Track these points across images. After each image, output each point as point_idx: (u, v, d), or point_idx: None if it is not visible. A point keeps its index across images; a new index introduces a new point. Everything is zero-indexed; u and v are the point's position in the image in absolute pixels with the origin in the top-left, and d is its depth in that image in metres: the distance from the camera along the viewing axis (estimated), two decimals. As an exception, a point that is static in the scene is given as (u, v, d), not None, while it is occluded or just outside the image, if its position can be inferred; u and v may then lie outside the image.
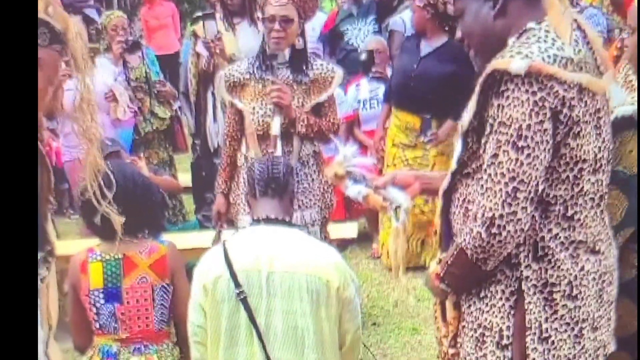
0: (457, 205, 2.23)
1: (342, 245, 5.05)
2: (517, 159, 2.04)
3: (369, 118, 6.34)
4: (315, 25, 6.79)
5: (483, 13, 2.19)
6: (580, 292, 2.16)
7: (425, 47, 5.52)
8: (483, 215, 2.09)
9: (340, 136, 5.49)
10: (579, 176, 2.11)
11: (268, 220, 2.72)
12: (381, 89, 6.29)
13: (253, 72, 3.92)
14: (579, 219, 2.15)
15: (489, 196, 2.08)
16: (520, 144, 2.03)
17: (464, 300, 2.28)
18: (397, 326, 4.94)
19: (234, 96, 3.96)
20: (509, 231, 2.07)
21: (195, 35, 5.47)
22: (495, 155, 2.07)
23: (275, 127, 3.79)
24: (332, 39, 6.84)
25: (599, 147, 2.14)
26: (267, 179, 2.77)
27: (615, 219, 2.51)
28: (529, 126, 2.02)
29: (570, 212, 2.14)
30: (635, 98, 2.57)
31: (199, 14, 5.84)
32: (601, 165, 2.17)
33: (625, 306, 2.60)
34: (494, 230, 2.08)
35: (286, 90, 3.81)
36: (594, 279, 2.19)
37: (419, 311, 5.08)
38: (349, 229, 4.98)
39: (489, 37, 2.19)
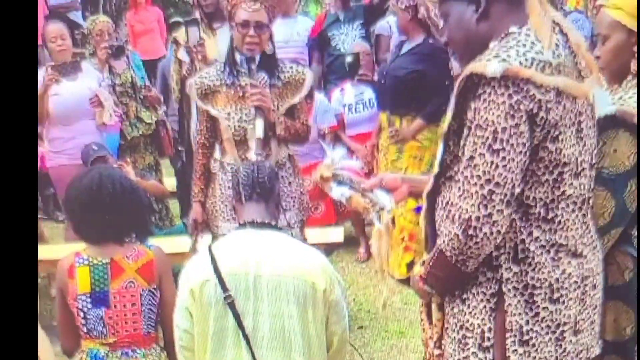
0: (441, 208, 2.24)
1: (329, 249, 5.06)
2: (492, 162, 2.05)
3: (354, 122, 6.35)
4: (300, 30, 6.79)
5: (466, 16, 2.20)
6: (562, 295, 2.17)
7: (405, 47, 5.56)
8: (460, 217, 2.10)
9: (327, 140, 5.51)
10: (559, 179, 2.12)
11: (254, 224, 2.73)
12: (367, 92, 6.31)
13: (223, 78, 3.93)
14: (559, 222, 2.16)
15: (465, 198, 2.09)
16: (496, 146, 2.04)
17: (448, 301, 2.29)
18: (383, 329, 4.94)
19: (206, 103, 3.95)
20: (485, 233, 2.08)
21: (176, 42, 5.47)
22: (472, 158, 2.08)
23: (259, 129, 3.79)
24: (320, 44, 6.85)
25: (580, 151, 2.15)
26: (253, 183, 2.78)
27: (604, 220, 2.52)
28: (504, 129, 2.03)
29: (550, 215, 2.15)
30: (616, 99, 2.58)
31: (179, 19, 5.82)
32: (583, 169, 2.17)
33: (618, 309, 2.62)
34: (471, 232, 2.09)
35: (266, 93, 3.83)
36: (575, 282, 2.19)
37: (405, 314, 5.08)
38: (335, 234, 4.99)
39: (471, 40, 2.20)
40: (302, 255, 2.71)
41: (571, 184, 2.15)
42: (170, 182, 6.24)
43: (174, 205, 6.25)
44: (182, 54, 5.34)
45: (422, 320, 2.45)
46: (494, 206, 2.06)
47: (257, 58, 3.88)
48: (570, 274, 2.18)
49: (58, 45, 5.34)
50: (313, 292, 2.64)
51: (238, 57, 3.90)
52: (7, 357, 1.91)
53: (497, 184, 2.05)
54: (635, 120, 2.50)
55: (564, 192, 2.14)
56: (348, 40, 6.72)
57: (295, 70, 4.02)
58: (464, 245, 2.11)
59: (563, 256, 2.17)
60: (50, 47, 5.38)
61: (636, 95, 2.55)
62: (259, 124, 3.80)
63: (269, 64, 3.93)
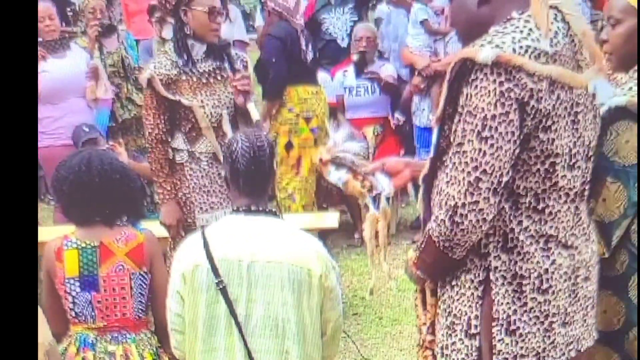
0: (436, 193, 2.23)
1: (323, 234, 5.02)
2: (480, 149, 2.04)
3: (355, 105, 6.31)
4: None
5: (469, 0, 2.19)
6: (551, 286, 2.16)
7: None
8: (446, 203, 2.10)
9: (332, 121, 5.49)
10: (550, 170, 2.11)
11: (248, 211, 2.67)
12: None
13: (180, 66, 3.90)
14: (550, 213, 2.14)
15: (452, 184, 2.09)
16: (485, 134, 2.03)
17: (440, 287, 2.29)
18: (378, 316, 4.96)
19: (174, 94, 3.90)
20: (470, 220, 2.07)
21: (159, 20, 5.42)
22: (460, 144, 2.08)
23: (254, 112, 3.84)
24: (311, 28, 6.80)
25: (575, 143, 2.14)
26: (253, 151, 2.66)
27: (619, 212, 2.50)
28: (493, 116, 2.02)
29: (541, 205, 2.13)
30: (625, 90, 2.54)
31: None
32: (577, 161, 2.16)
33: (610, 300, 2.58)
34: (457, 219, 2.08)
35: (248, 76, 3.90)
36: (565, 273, 2.18)
37: (400, 301, 5.09)
38: (330, 219, 4.95)
39: (472, 23, 2.19)
40: (297, 241, 2.67)
41: (564, 175, 2.13)
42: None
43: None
44: (166, 33, 5.27)
45: (416, 306, 2.44)
46: (481, 194, 2.06)
47: (205, 46, 3.92)
48: (560, 264, 2.17)
49: (46, 25, 5.29)
50: (308, 278, 2.61)
51: (192, 44, 3.90)
52: (7, 357, 1.90)
53: (485, 171, 2.05)
54: None
55: (555, 183, 2.13)
56: (339, 24, 6.67)
57: (236, 55, 4.08)
58: (450, 232, 2.10)
59: (553, 247, 2.16)
60: (38, 27, 5.30)
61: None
62: (252, 107, 3.84)
63: (216, 49, 3.98)
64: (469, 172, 2.06)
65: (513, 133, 2.03)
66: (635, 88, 2.53)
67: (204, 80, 3.91)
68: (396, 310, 5.00)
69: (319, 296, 2.64)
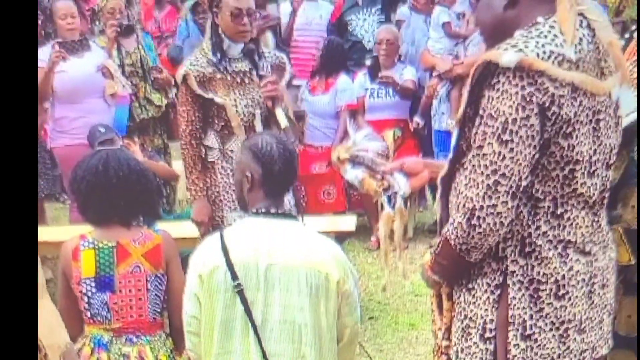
0: (454, 195, 2.22)
1: (340, 238, 5.00)
2: (500, 152, 2.05)
3: (374, 107, 6.29)
4: (323, 14, 6.76)
5: (495, 3, 2.19)
6: (568, 292, 2.15)
7: None
8: (464, 205, 2.10)
9: (350, 120, 5.50)
10: (570, 176, 2.10)
11: (267, 214, 2.65)
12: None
13: (215, 64, 3.93)
14: (569, 218, 2.14)
15: (471, 187, 2.09)
16: (505, 137, 2.04)
17: (456, 290, 2.28)
18: (394, 321, 4.94)
19: (207, 92, 3.93)
20: (488, 224, 2.07)
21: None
22: (480, 147, 2.08)
23: (282, 119, 3.81)
24: (339, 29, 6.81)
25: (595, 150, 2.13)
26: (284, 173, 2.65)
27: None
28: (514, 120, 2.02)
29: (560, 211, 2.13)
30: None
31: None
32: (596, 168, 2.14)
33: (634, 305, 2.56)
34: (474, 221, 2.08)
35: (276, 81, 3.87)
36: (583, 280, 2.17)
37: (416, 306, 5.07)
38: (347, 222, 4.93)
39: (498, 26, 2.19)
40: (316, 245, 2.65)
41: (583, 182, 2.12)
42: (179, 166, 6.17)
43: (183, 189, 6.20)
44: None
45: (432, 310, 2.44)
46: (499, 197, 2.05)
47: (240, 47, 3.94)
48: (578, 271, 2.16)
49: (68, 23, 5.30)
50: (326, 283, 2.58)
51: (227, 44, 3.92)
52: (7, 357, 1.89)
53: (504, 175, 2.05)
54: None
55: (574, 189, 2.12)
56: (366, 25, 6.66)
57: (274, 55, 4.10)
58: (467, 235, 2.10)
59: (571, 253, 2.15)
60: (59, 25, 5.33)
61: None
62: (280, 113, 3.83)
63: (253, 49, 3.98)
64: (488, 175, 2.06)
65: (533, 137, 2.03)
66: None
67: (239, 80, 3.93)
68: (412, 315, 4.98)
69: (336, 301, 2.62)
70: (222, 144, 3.96)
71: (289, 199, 3.77)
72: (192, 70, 3.94)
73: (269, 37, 6.70)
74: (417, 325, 4.84)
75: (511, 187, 2.05)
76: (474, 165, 2.09)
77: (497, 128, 2.03)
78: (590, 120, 2.10)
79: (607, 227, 2.26)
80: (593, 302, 2.21)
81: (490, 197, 2.05)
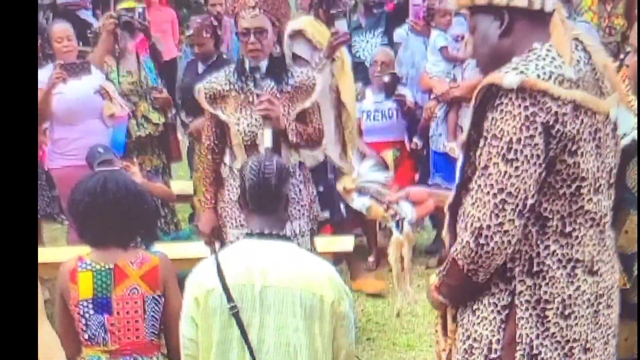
0: (462, 220, 2.23)
1: (338, 258, 4.99)
2: (505, 172, 2.07)
3: (372, 130, 6.28)
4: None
5: (491, 31, 2.23)
6: (574, 312, 2.16)
7: None
8: (472, 225, 2.12)
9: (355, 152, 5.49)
10: (576, 194, 2.12)
11: (262, 235, 2.67)
12: (387, 103, 6.24)
13: (232, 82, 3.95)
14: (577, 237, 2.15)
15: (478, 207, 2.11)
16: (510, 156, 2.07)
17: (460, 313, 2.29)
18: (392, 342, 4.91)
19: (216, 108, 3.97)
20: (496, 242, 2.09)
21: None
22: (486, 167, 2.10)
23: (267, 139, 3.80)
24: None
25: (598, 167, 2.15)
26: (259, 181, 2.68)
27: None
28: (519, 140, 2.05)
29: (568, 229, 2.14)
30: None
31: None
32: (600, 185, 2.17)
33: (632, 328, 2.56)
34: (482, 240, 2.10)
35: (273, 101, 3.84)
36: (589, 299, 2.18)
37: (414, 327, 5.03)
38: (344, 243, 4.92)
39: (494, 55, 2.23)
40: (310, 267, 2.66)
41: (590, 199, 2.14)
42: (177, 186, 6.19)
43: (183, 208, 6.21)
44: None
45: (436, 331, 2.44)
46: (506, 216, 2.07)
47: (265, 63, 3.92)
48: (584, 291, 2.17)
49: (64, 46, 5.33)
50: (321, 304, 2.59)
51: (247, 63, 3.94)
52: (7, 357, 1.89)
53: (510, 193, 2.07)
54: None
55: (581, 207, 2.14)
56: (368, 47, 6.69)
57: (306, 75, 4.05)
58: (475, 254, 2.11)
59: (580, 273, 2.16)
60: (55, 47, 5.35)
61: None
62: (267, 133, 3.81)
63: (278, 67, 3.96)
64: (494, 194, 2.08)
65: (538, 156, 2.06)
66: None
67: (251, 99, 3.91)
68: (410, 336, 4.95)
69: (330, 322, 2.62)
70: (232, 161, 3.99)
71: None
72: (206, 86, 3.99)
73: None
74: (415, 346, 4.80)
75: (517, 205, 2.07)
76: (479, 185, 2.11)
77: (502, 148, 2.07)
78: (593, 138, 2.13)
79: (613, 246, 2.28)
80: (599, 321, 2.22)
81: (497, 216, 2.08)
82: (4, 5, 2.05)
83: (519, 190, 2.06)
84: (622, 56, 3.87)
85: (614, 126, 2.21)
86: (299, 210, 3.96)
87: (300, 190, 4.00)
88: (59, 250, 4.69)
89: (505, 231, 2.08)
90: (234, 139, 3.92)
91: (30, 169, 2.12)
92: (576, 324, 2.16)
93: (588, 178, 2.12)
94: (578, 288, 2.16)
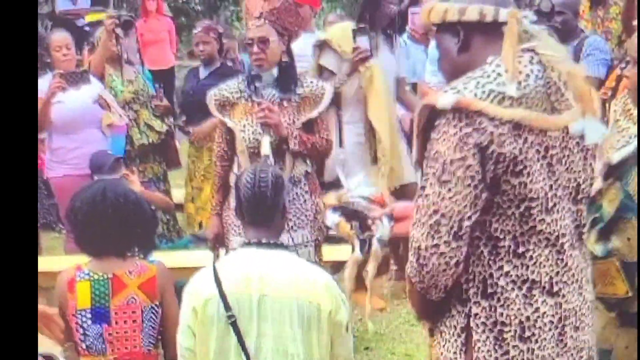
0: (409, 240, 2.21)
1: (338, 267, 4.98)
2: (440, 193, 2.04)
3: None
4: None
5: (450, 48, 2.21)
6: (534, 334, 2.10)
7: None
8: (412, 245, 2.10)
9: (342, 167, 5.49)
10: (526, 214, 2.07)
11: (259, 244, 2.68)
12: None
13: (242, 90, 3.98)
14: (531, 257, 2.10)
15: (417, 227, 2.09)
16: (444, 178, 2.03)
17: (433, 331, 2.27)
18: (390, 351, 4.89)
19: (224, 115, 4.00)
20: (434, 263, 2.06)
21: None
22: (423, 188, 2.09)
23: (265, 146, 3.82)
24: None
25: (551, 186, 2.09)
26: (254, 192, 2.69)
27: None
28: (452, 161, 2.02)
29: (521, 249, 2.09)
30: (632, 138, 2.53)
31: None
32: (555, 204, 2.10)
33: (631, 336, 2.56)
34: (421, 261, 2.08)
35: (273, 109, 3.85)
36: (551, 322, 2.12)
37: (412, 336, 5.03)
38: (344, 251, 4.91)
39: (455, 71, 2.20)
40: (307, 276, 2.66)
41: (542, 219, 2.09)
42: (177, 194, 6.18)
43: (181, 217, 6.20)
44: None
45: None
46: (441, 237, 2.05)
47: (275, 71, 3.94)
48: (544, 312, 2.11)
49: (63, 54, 5.33)
50: (318, 313, 2.60)
51: (256, 71, 3.97)
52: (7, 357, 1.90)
53: (443, 215, 2.04)
54: None
55: (533, 227, 2.09)
56: None
57: (315, 85, 4.07)
58: (418, 274, 2.10)
59: (537, 294, 2.10)
60: (54, 56, 5.35)
61: None
62: (265, 140, 3.83)
63: (287, 76, 3.98)
64: (430, 215, 2.05)
65: (473, 177, 2.02)
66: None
67: (257, 107, 3.92)
68: (408, 345, 4.94)
69: (328, 331, 2.63)
70: (239, 170, 3.97)
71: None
72: (217, 94, 4.02)
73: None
74: (413, 355, 4.79)
75: (452, 227, 2.04)
76: (419, 206, 2.09)
77: (437, 169, 2.04)
78: (543, 156, 2.07)
79: (582, 265, 2.20)
80: (566, 345, 2.15)
81: (432, 237, 2.05)
82: (4, 14, 2.06)
83: (453, 211, 2.03)
84: (622, 66, 3.88)
85: (580, 139, 2.13)
86: (303, 220, 3.97)
87: (305, 200, 3.99)
88: (56, 259, 4.68)
89: (442, 253, 2.05)
90: (239, 146, 3.94)
91: (31, 178, 2.12)
92: (538, 347, 2.10)
93: (538, 198, 2.07)
94: (537, 310, 2.10)
